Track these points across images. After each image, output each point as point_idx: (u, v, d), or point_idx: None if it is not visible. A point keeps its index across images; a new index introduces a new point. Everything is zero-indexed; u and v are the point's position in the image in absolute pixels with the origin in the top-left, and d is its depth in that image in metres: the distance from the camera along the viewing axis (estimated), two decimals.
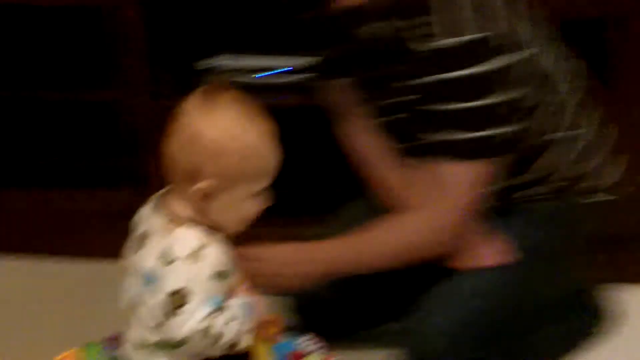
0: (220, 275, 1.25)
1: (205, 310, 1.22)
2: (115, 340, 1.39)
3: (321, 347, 1.46)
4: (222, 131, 1.24)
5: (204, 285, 1.23)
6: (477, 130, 1.50)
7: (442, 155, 1.53)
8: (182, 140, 1.26)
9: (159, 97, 2.12)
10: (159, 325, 1.24)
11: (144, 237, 1.31)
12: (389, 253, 1.57)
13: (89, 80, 2.23)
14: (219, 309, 1.24)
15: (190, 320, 1.22)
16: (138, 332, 1.30)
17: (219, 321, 1.23)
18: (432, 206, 1.55)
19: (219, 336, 1.23)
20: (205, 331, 1.22)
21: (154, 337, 1.27)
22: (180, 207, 1.29)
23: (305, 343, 1.46)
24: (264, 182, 1.29)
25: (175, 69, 2.13)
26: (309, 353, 1.43)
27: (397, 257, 1.56)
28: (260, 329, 1.39)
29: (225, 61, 2.04)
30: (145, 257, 1.27)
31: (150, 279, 1.25)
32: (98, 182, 2.28)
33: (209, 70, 2.07)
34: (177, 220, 1.28)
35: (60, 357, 1.23)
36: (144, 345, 1.29)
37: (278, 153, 1.30)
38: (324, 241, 1.59)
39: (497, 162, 1.54)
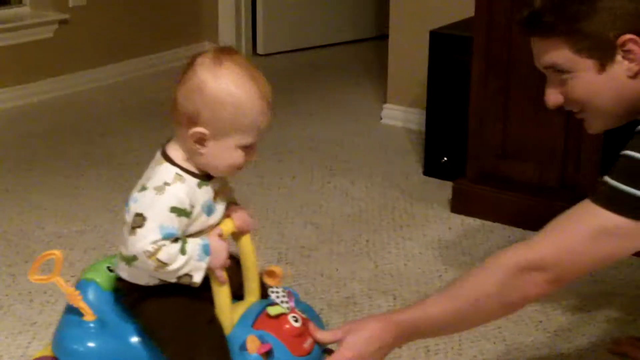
0: (177, 211, 1.43)
1: (156, 236, 1.41)
2: None
3: (289, 302, 1.58)
4: (223, 86, 1.43)
5: (159, 216, 1.42)
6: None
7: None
8: (189, 88, 1.45)
9: None
10: (125, 240, 1.45)
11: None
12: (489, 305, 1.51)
13: None
14: (172, 240, 1.42)
15: (141, 242, 1.41)
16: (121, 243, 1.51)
17: (167, 250, 1.42)
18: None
19: (163, 263, 1.42)
20: (151, 254, 1.41)
21: (123, 250, 1.48)
22: (175, 147, 1.48)
23: (276, 294, 1.58)
24: (251, 138, 1.46)
25: None
26: (277, 304, 1.56)
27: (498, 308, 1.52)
28: (261, 276, 1.56)
29: None
30: (137, 183, 1.48)
31: (130, 201, 1.46)
32: None
33: None
34: (166, 158, 1.47)
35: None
36: (119, 256, 1.50)
37: (268, 114, 1.46)
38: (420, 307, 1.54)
39: None
